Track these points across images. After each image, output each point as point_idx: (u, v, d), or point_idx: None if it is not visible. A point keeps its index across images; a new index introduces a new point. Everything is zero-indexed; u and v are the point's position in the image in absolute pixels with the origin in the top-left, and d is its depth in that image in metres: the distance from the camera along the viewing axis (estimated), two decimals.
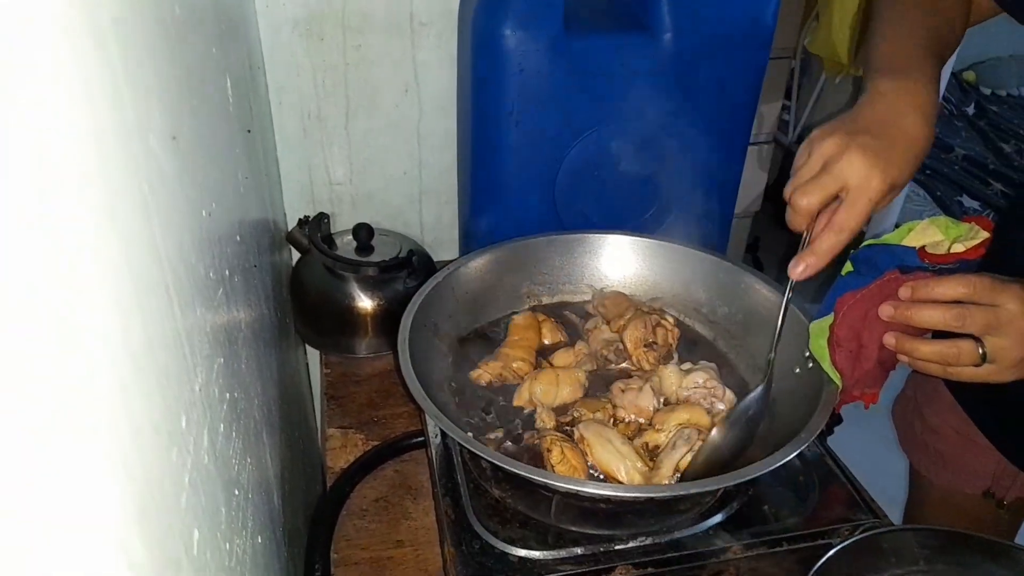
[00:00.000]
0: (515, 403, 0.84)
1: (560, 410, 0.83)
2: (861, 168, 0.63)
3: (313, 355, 1.32)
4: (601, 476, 0.75)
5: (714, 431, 0.76)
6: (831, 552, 0.67)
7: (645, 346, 0.88)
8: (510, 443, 0.79)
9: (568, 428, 0.80)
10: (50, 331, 0.25)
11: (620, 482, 0.73)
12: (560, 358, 0.89)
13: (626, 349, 0.89)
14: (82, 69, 0.29)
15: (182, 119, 0.47)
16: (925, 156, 0.67)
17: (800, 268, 0.68)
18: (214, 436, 0.47)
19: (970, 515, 1.01)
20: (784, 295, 0.75)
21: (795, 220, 0.67)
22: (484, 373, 0.86)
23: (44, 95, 0.25)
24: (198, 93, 0.54)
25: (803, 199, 0.65)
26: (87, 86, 0.29)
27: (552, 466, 0.73)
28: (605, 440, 0.75)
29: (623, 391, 0.83)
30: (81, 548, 0.27)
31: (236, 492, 0.53)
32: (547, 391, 0.83)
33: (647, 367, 0.87)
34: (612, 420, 0.82)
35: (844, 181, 0.64)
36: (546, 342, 0.92)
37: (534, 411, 0.83)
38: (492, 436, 0.80)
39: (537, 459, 0.76)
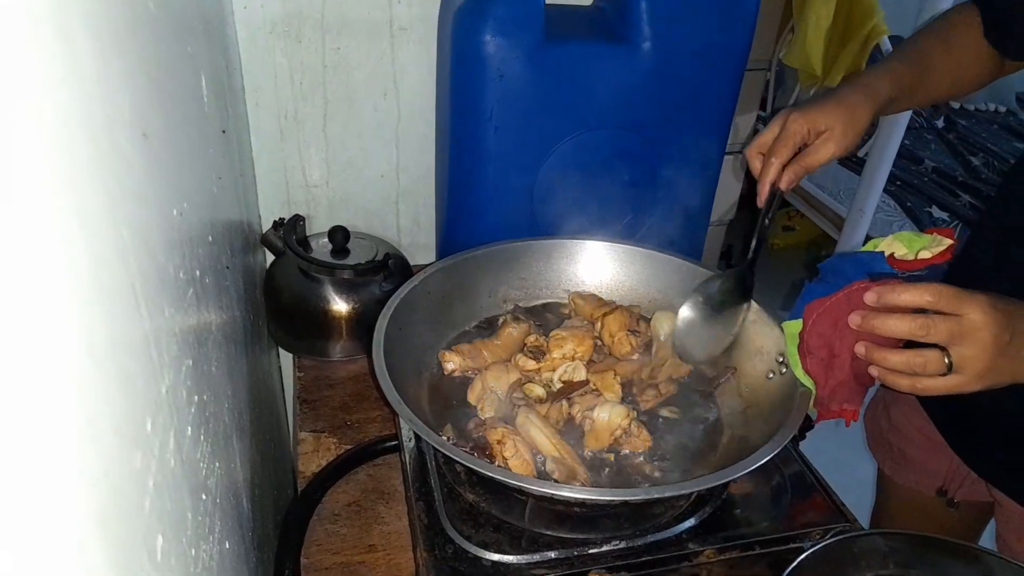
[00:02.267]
0: (469, 398, 0.84)
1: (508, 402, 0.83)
2: (794, 114, 0.81)
3: (286, 358, 1.31)
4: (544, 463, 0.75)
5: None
6: (803, 556, 0.67)
7: (629, 331, 0.89)
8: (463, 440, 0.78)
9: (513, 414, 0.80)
10: (5, 328, 0.24)
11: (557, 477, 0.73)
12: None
13: (604, 338, 0.91)
14: (46, 61, 0.28)
15: (153, 116, 0.46)
16: (859, 118, 0.82)
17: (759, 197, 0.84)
18: (181, 439, 0.46)
19: (930, 517, 1.03)
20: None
21: (751, 164, 0.85)
22: (454, 357, 0.87)
23: (2, 86, 0.24)
24: (170, 91, 0.53)
25: (751, 148, 0.85)
26: (50, 78, 0.29)
27: (505, 460, 0.73)
28: (534, 425, 0.76)
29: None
30: (36, 553, 0.26)
31: (203, 497, 0.52)
32: (498, 380, 0.83)
33: (627, 349, 0.89)
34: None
35: (782, 125, 0.82)
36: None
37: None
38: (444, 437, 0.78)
39: (483, 451, 0.75)
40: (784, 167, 0.82)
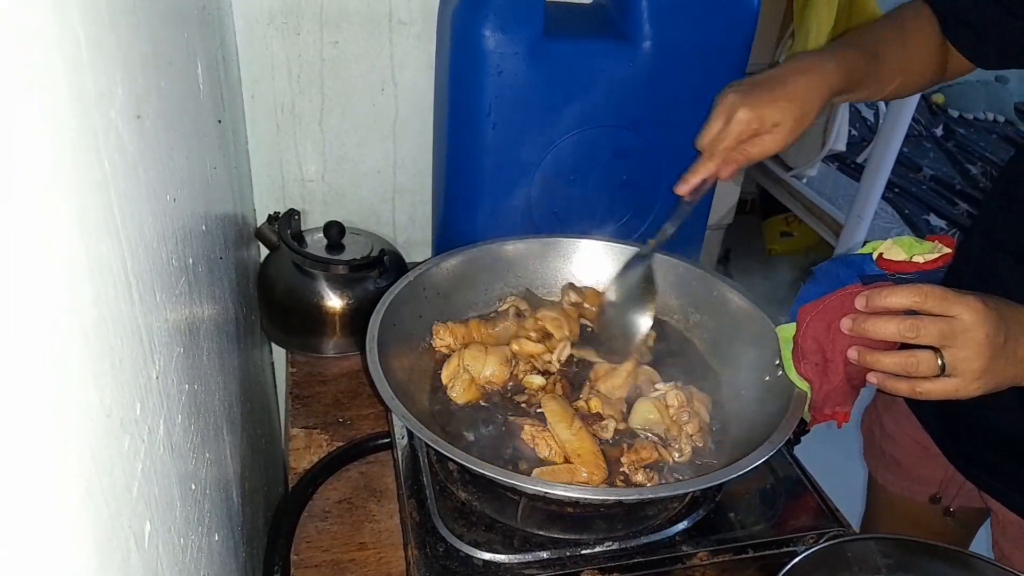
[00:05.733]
0: (443, 375, 0.83)
1: (488, 386, 0.83)
2: (742, 109, 0.78)
3: (279, 354, 1.30)
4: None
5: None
6: (796, 559, 0.66)
7: None
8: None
9: (523, 406, 0.80)
10: None
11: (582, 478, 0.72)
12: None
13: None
14: (39, 30, 0.28)
15: (148, 99, 0.46)
16: (809, 113, 0.79)
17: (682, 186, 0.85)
18: (171, 427, 0.45)
19: (921, 524, 1.03)
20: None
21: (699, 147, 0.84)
22: (446, 335, 0.86)
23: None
24: (166, 75, 0.53)
25: (700, 139, 0.83)
26: (44, 44, 0.28)
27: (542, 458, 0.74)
28: (568, 420, 0.75)
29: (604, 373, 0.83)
30: (20, 532, 0.25)
31: (193, 486, 0.51)
32: (475, 360, 0.82)
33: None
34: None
35: (727, 118, 0.79)
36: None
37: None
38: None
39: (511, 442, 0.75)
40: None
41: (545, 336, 0.87)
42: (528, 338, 0.87)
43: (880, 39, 0.85)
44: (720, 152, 0.81)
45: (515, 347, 0.86)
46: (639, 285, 0.90)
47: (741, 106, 0.78)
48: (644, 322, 0.89)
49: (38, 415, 0.26)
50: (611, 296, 0.93)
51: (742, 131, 0.79)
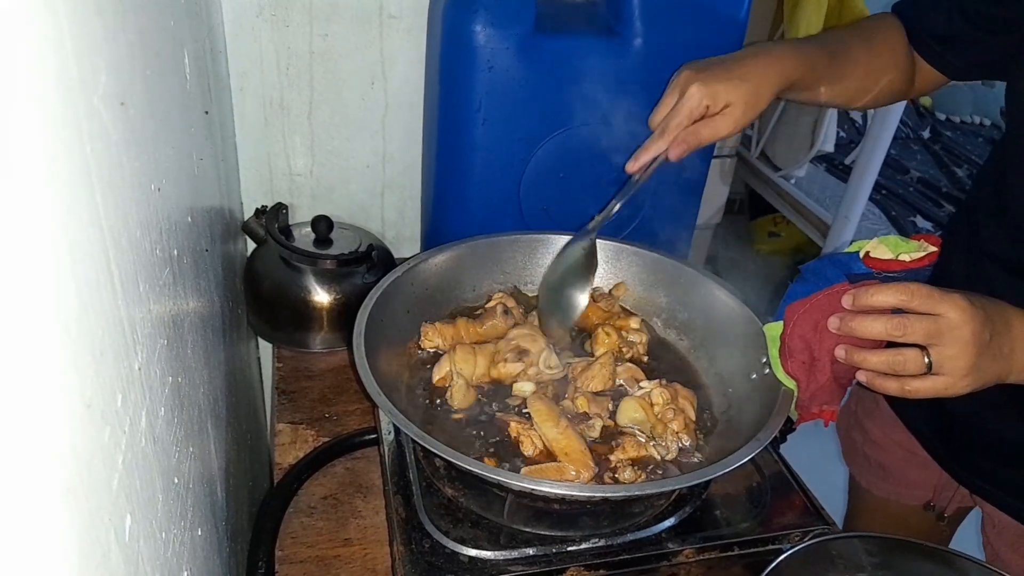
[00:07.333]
0: (434, 376, 0.82)
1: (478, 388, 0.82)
2: (695, 85, 0.78)
3: (265, 349, 1.29)
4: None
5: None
6: (781, 557, 0.67)
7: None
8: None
9: (512, 408, 0.79)
10: None
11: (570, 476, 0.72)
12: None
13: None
14: (21, 13, 0.27)
15: (132, 86, 0.45)
16: (762, 98, 0.79)
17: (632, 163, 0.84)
18: (153, 419, 0.45)
19: (910, 526, 1.03)
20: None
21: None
22: (435, 336, 0.86)
23: None
24: (152, 63, 0.52)
25: (652, 118, 0.83)
26: (26, 33, 0.27)
27: (526, 457, 0.73)
28: (555, 419, 0.74)
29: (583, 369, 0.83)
30: None
31: (175, 480, 0.50)
32: (466, 362, 0.82)
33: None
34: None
35: (680, 94, 0.79)
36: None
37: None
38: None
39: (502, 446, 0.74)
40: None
41: (521, 353, 0.86)
42: (505, 360, 0.84)
43: (845, 42, 0.85)
44: (671, 129, 0.79)
45: (495, 374, 0.84)
46: (580, 261, 0.88)
47: (693, 82, 0.77)
48: (581, 299, 0.86)
49: (16, 404, 0.26)
50: (551, 275, 0.90)
51: (693, 108, 0.78)
